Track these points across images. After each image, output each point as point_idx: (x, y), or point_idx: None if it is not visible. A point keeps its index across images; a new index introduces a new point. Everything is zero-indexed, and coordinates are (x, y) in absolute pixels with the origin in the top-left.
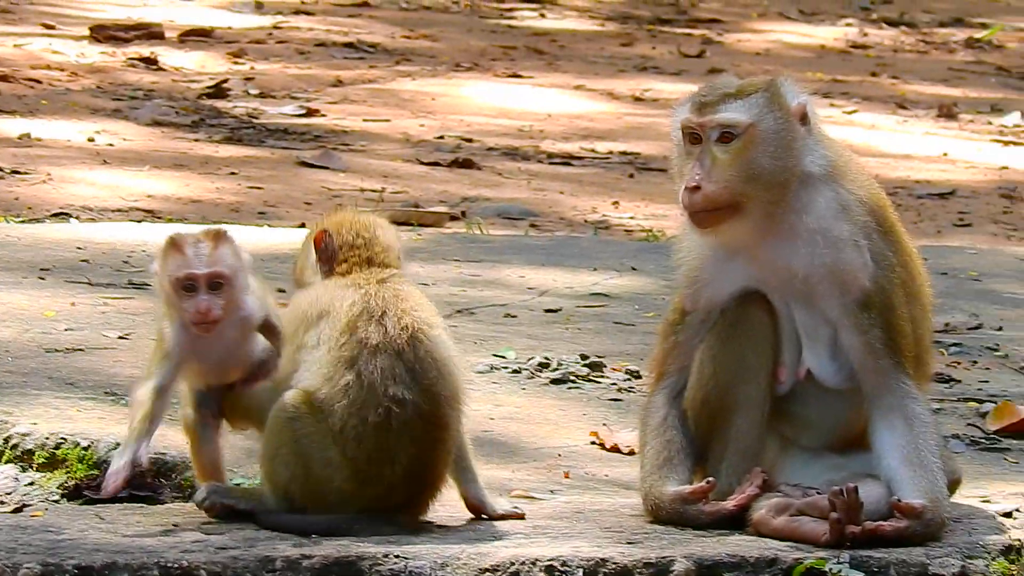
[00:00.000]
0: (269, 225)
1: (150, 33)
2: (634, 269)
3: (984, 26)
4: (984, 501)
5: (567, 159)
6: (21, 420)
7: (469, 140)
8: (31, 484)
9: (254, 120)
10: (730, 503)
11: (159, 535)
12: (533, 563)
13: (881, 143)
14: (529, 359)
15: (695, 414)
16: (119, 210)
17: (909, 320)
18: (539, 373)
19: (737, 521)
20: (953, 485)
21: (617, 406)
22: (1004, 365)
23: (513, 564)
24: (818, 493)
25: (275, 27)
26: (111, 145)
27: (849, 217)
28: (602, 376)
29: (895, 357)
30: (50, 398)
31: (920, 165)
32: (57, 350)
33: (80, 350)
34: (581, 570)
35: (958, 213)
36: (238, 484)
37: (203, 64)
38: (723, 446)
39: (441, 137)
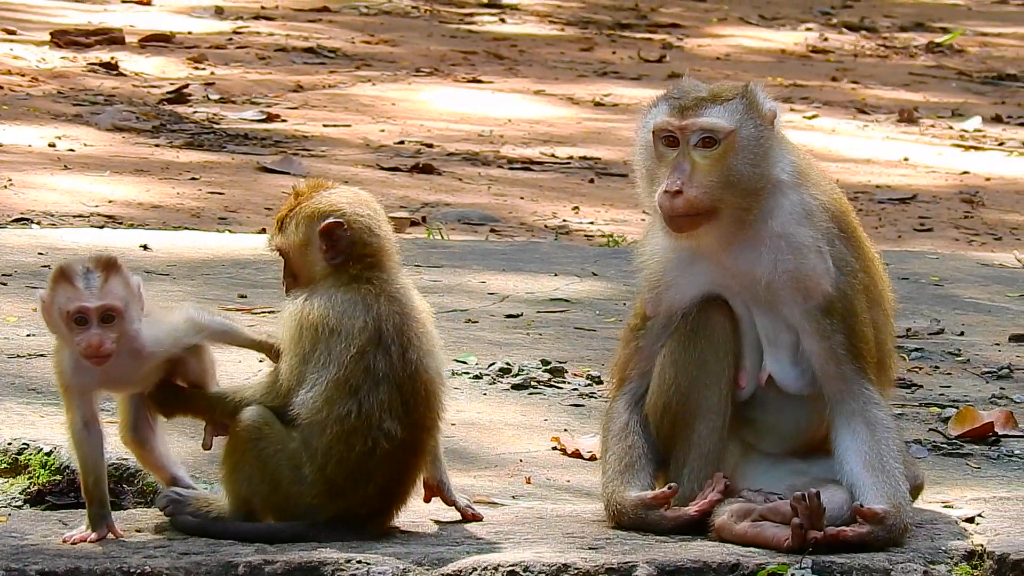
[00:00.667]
0: (230, 230)
1: (111, 38)
2: (595, 274)
3: (945, 30)
4: (946, 506)
5: (527, 164)
6: None
7: (429, 145)
8: None
9: (215, 125)
10: (692, 508)
11: (122, 540)
12: (495, 568)
13: (842, 148)
14: (490, 365)
15: (656, 419)
16: (80, 216)
17: (871, 325)
18: (500, 379)
19: (699, 526)
20: (915, 490)
21: (578, 412)
22: (965, 370)
23: (475, 570)
24: (780, 498)
25: (235, 32)
26: (72, 150)
27: (812, 223)
28: (563, 382)
29: (857, 363)
30: (12, 404)
31: (881, 170)
32: (19, 356)
33: (42, 356)
34: (543, 575)
35: (919, 218)
36: (202, 488)
37: (164, 69)
38: (685, 451)
39: (401, 142)
